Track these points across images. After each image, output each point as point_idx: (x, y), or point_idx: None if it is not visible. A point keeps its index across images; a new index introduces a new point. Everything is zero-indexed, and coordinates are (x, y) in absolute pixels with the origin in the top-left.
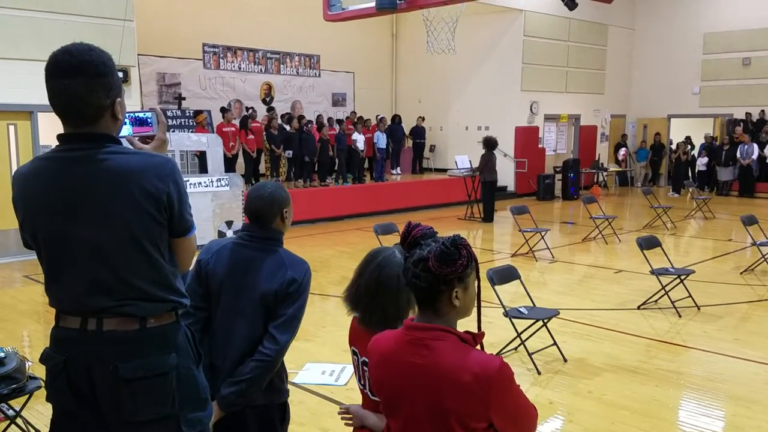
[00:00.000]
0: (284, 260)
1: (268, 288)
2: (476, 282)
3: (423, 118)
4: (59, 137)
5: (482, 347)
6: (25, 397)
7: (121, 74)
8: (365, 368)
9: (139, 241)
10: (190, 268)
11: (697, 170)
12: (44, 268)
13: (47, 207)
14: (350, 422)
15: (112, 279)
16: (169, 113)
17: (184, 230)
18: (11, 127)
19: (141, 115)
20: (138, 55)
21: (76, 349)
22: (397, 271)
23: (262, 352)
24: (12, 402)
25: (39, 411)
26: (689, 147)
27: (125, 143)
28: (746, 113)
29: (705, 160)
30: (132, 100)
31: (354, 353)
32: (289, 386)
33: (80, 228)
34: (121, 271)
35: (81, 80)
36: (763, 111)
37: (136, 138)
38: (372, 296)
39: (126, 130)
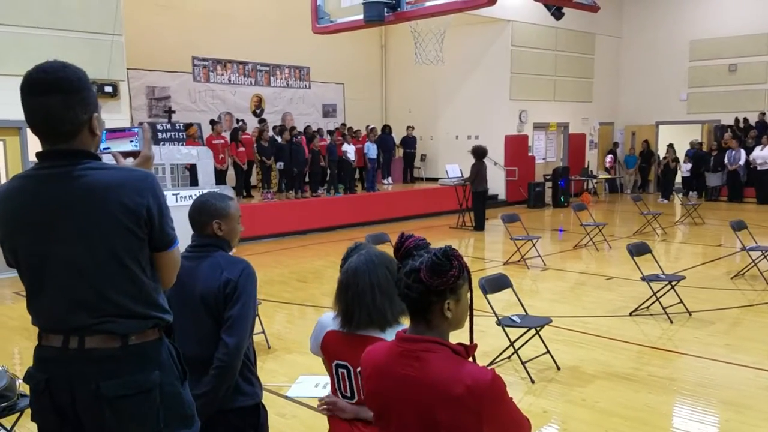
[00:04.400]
0: (220, 262)
1: (206, 290)
2: (469, 293)
3: (413, 128)
4: (38, 155)
5: (474, 359)
6: (16, 415)
7: (110, 88)
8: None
9: (119, 257)
10: None
11: (681, 176)
12: (26, 287)
13: (26, 225)
14: (334, 413)
15: (92, 296)
16: (159, 126)
17: (165, 244)
18: (0, 144)
19: (116, 127)
20: (127, 69)
21: (58, 368)
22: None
23: (217, 358)
24: (3, 420)
25: (30, 429)
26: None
27: (110, 158)
28: (735, 119)
29: (689, 166)
30: (121, 114)
31: (342, 367)
32: (283, 400)
33: (59, 245)
34: (101, 287)
35: (57, 97)
36: (746, 118)
37: (120, 154)
38: (372, 296)
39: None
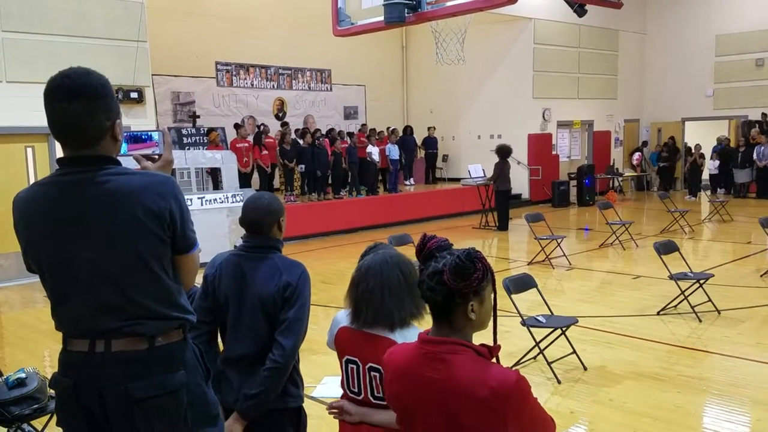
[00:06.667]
0: (279, 265)
1: (265, 293)
2: (492, 295)
3: (434, 128)
4: (59, 161)
5: (498, 360)
6: (46, 417)
7: (135, 94)
8: (374, 374)
9: (144, 261)
10: (198, 285)
11: (709, 173)
12: (49, 293)
13: (51, 232)
14: (342, 418)
15: (119, 300)
16: (184, 131)
17: (187, 247)
18: (29, 150)
19: (136, 132)
20: (152, 75)
21: (86, 372)
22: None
23: (272, 359)
24: (34, 422)
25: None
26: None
27: (131, 161)
28: (762, 114)
29: (716, 163)
30: (147, 120)
31: (352, 362)
32: (307, 400)
33: (85, 251)
34: (127, 291)
35: (81, 103)
36: None
37: (142, 157)
38: (386, 295)
39: (122, 148)
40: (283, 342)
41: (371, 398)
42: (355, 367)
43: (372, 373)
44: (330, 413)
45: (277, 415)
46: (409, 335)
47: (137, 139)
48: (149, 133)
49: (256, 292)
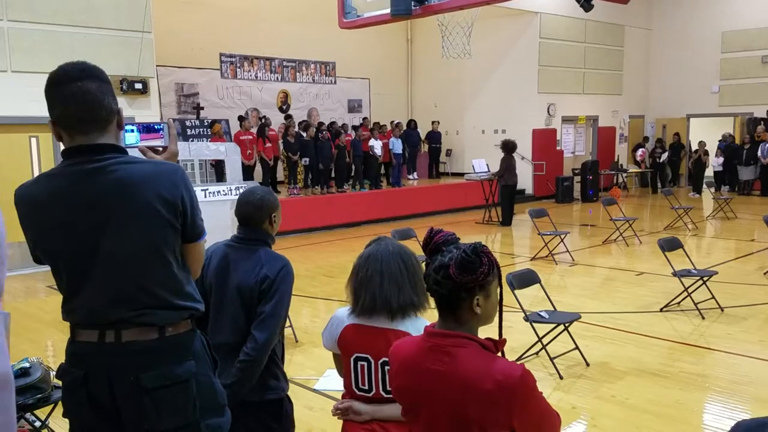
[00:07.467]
0: (262, 258)
1: (244, 284)
2: (498, 289)
3: (438, 122)
4: (65, 152)
5: (503, 354)
6: (50, 407)
7: (140, 85)
8: (388, 368)
9: (158, 249)
10: None
11: (713, 170)
12: (63, 284)
13: (63, 223)
14: (349, 418)
15: (132, 289)
16: (187, 123)
17: (196, 235)
18: (33, 140)
19: (148, 123)
20: (156, 66)
21: (96, 363)
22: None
23: (245, 352)
24: (37, 412)
25: (65, 420)
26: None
27: (137, 153)
28: None
29: (720, 160)
30: (151, 111)
31: (362, 359)
32: (311, 393)
33: (101, 241)
34: (141, 280)
35: (93, 81)
36: None
37: (147, 149)
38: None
39: (134, 137)
40: (257, 335)
41: (383, 393)
42: (365, 364)
43: (386, 368)
44: (335, 415)
45: (255, 408)
46: (421, 327)
47: (150, 129)
48: (162, 124)
49: (236, 282)
